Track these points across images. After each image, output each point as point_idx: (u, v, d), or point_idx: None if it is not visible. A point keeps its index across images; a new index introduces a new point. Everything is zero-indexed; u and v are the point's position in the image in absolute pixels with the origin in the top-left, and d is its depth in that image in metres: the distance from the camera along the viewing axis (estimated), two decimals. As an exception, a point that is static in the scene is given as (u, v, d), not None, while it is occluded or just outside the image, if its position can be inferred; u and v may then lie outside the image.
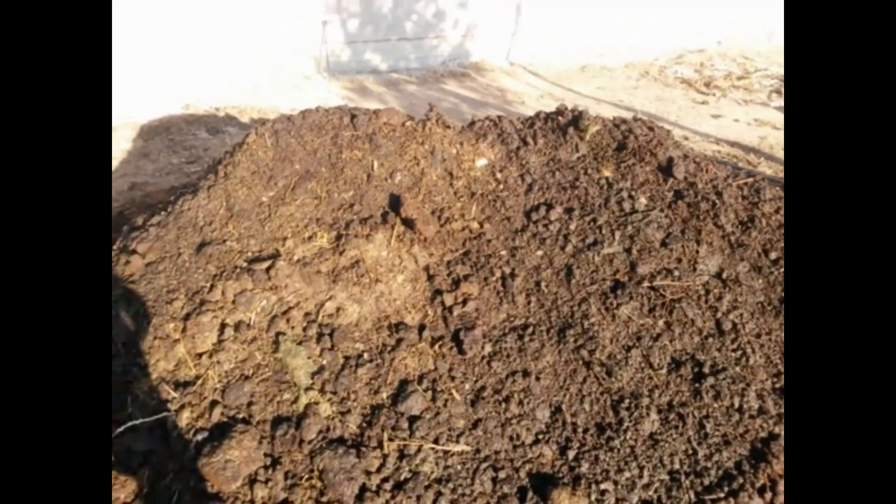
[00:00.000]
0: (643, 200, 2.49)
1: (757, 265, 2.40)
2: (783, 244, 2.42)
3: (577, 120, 2.69)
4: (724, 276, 2.37)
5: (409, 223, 2.32)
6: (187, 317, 2.00)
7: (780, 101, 7.20)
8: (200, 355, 1.92)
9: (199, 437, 1.72)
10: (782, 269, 2.37)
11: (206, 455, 1.64)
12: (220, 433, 1.71)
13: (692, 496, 1.85)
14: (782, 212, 2.50)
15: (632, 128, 2.67)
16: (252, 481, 1.65)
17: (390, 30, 7.82)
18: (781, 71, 8.25)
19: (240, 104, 6.36)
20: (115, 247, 2.33)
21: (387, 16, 7.67)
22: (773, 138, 6.00)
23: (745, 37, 9.89)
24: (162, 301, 2.08)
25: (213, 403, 1.80)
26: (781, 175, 4.99)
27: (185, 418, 1.77)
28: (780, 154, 5.60)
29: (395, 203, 2.42)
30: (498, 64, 8.52)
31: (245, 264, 2.18)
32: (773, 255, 2.40)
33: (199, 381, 1.85)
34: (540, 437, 1.97)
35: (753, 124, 6.46)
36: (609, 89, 7.61)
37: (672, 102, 7.14)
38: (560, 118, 2.75)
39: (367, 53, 7.89)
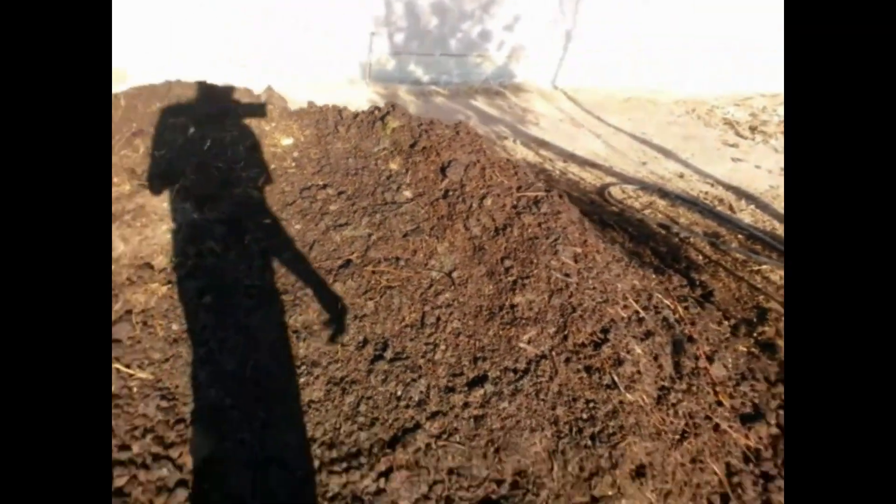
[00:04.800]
0: (407, 194, 2.55)
1: (491, 271, 2.34)
2: (525, 254, 2.33)
3: (385, 115, 2.82)
4: (455, 275, 2.35)
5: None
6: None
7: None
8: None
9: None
10: (512, 278, 2.29)
11: None
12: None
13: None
14: (544, 224, 2.40)
15: (429, 129, 2.73)
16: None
17: (435, 45, 8.23)
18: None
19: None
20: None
21: (432, 31, 8.10)
22: (783, 189, 5.37)
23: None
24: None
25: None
26: (755, 222, 4.49)
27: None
28: (776, 205, 5.01)
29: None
30: (540, 86, 8.53)
31: None
32: (507, 263, 2.32)
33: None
34: None
35: (775, 172, 5.81)
36: (639, 122, 7.27)
37: (698, 141, 6.64)
38: (377, 112, 2.89)
39: (410, 65, 8.37)
